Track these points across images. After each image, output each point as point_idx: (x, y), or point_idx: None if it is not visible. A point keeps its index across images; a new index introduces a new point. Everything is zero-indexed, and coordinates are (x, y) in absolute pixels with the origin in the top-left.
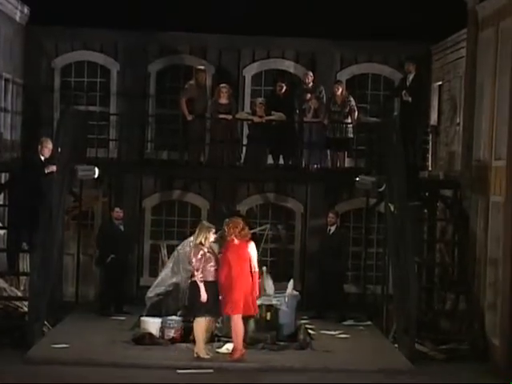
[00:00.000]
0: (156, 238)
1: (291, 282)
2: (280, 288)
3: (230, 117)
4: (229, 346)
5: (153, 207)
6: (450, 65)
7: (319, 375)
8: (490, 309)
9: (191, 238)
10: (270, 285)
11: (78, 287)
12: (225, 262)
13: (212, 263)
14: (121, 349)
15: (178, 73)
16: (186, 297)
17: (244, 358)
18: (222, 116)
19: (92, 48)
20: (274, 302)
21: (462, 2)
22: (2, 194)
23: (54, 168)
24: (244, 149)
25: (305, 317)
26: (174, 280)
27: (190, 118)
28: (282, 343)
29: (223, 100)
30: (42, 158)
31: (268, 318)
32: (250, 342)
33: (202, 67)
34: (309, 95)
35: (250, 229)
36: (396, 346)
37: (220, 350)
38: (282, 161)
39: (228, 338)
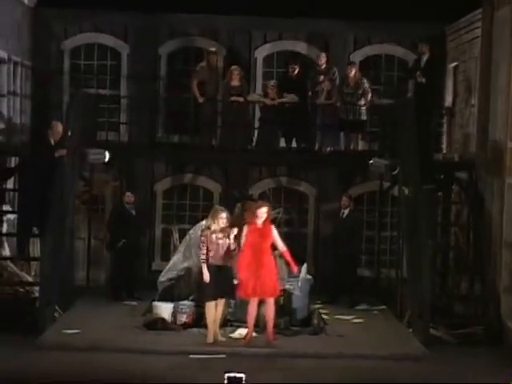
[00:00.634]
0: (167, 222)
1: (304, 266)
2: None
3: (241, 99)
4: (241, 331)
5: (164, 191)
6: (465, 45)
7: (333, 361)
8: (506, 292)
9: (203, 222)
10: (283, 269)
11: (88, 272)
12: (247, 245)
13: (221, 247)
14: (132, 334)
15: (189, 55)
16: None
17: (275, 343)
18: (233, 98)
19: (102, 30)
20: (286, 286)
21: None
22: (12, 179)
23: (64, 152)
24: (256, 132)
25: (318, 301)
26: (185, 264)
27: (201, 100)
28: (295, 328)
29: (235, 82)
30: (52, 142)
31: (281, 302)
32: (263, 327)
33: (214, 49)
34: (322, 77)
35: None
36: (410, 330)
37: (233, 335)
38: (294, 144)
39: (241, 322)
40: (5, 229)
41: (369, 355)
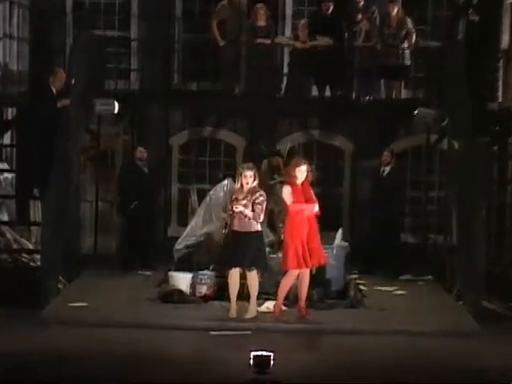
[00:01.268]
0: (185, 181)
1: (340, 232)
2: (327, 238)
3: (268, 41)
4: (269, 304)
5: (181, 146)
6: None
7: (372, 337)
8: None
9: (225, 182)
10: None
11: (96, 238)
12: (293, 210)
13: (246, 212)
14: (146, 307)
15: None
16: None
17: (307, 318)
18: (259, 41)
19: None
20: None
21: None
22: (9, 133)
23: (67, 102)
24: (285, 78)
25: (355, 271)
26: (205, 230)
27: (222, 43)
28: (329, 301)
29: (260, 22)
30: (54, 91)
31: (313, 271)
32: (293, 300)
33: None
34: (359, 16)
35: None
36: (460, 303)
37: (260, 309)
38: (328, 92)
39: (269, 295)
40: (1, 190)
41: (412, 331)
